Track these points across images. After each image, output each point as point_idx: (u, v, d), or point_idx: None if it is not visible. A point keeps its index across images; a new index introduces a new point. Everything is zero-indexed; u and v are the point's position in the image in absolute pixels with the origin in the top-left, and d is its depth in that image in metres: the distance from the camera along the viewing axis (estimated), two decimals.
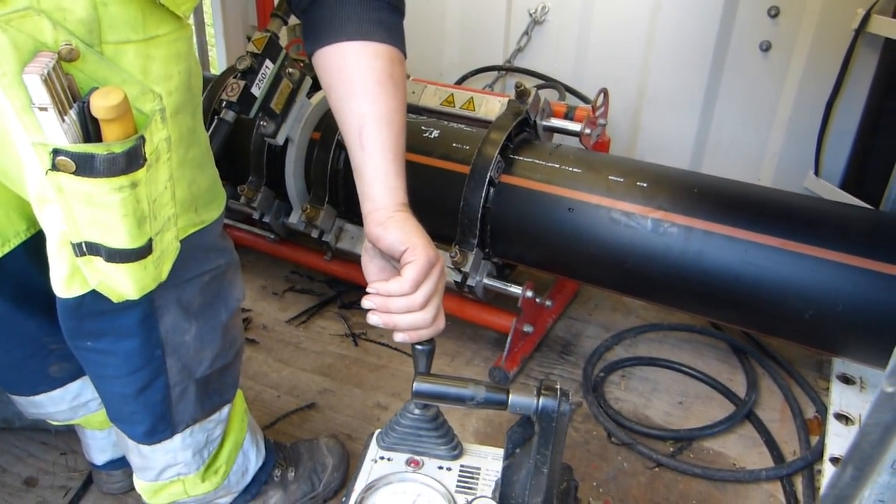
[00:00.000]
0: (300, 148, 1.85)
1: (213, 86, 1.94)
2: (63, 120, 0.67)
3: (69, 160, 0.69)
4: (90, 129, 0.70)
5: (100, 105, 0.67)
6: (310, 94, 1.85)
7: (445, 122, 1.82)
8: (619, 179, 1.56)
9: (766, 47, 2.17)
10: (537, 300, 1.75)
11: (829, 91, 2.00)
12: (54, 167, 0.70)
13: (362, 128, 0.93)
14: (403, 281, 0.90)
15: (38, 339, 1.11)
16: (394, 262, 0.96)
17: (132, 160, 0.72)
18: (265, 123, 1.76)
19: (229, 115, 1.70)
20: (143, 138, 0.73)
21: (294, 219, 1.91)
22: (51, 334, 1.10)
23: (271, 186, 1.94)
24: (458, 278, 1.69)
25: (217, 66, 2.85)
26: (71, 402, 1.22)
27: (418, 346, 0.98)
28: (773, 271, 1.41)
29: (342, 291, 2.08)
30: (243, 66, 1.66)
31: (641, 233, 1.51)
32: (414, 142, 1.75)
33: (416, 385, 0.90)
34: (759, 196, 1.52)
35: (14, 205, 0.98)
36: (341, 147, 1.79)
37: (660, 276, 1.52)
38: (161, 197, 0.81)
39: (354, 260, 1.90)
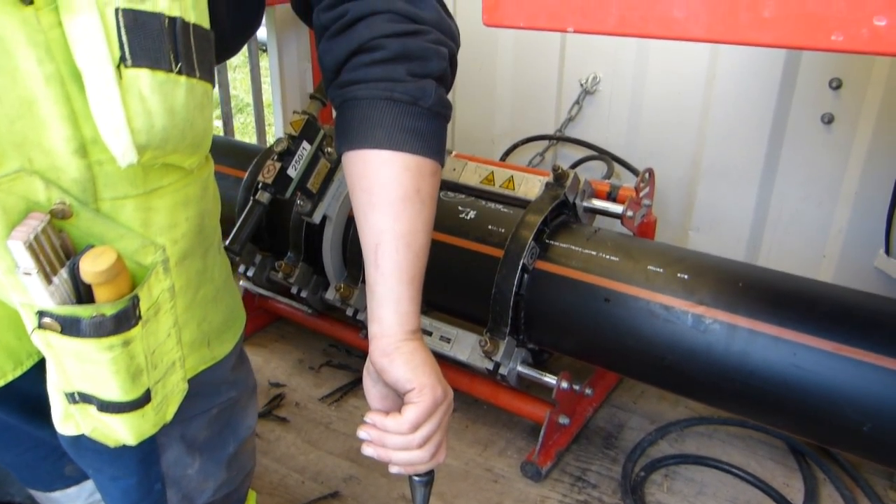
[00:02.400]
0: (338, 225, 1.84)
1: (256, 162, 1.97)
2: (50, 282, 0.64)
3: (54, 322, 0.66)
4: (82, 289, 0.67)
5: (88, 270, 0.64)
6: None
7: (483, 202, 1.78)
8: (658, 270, 1.48)
9: (828, 120, 2.06)
10: (575, 388, 1.67)
11: None
12: (40, 326, 0.67)
13: (379, 245, 0.86)
14: (402, 421, 0.84)
15: (51, 443, 1.10)
16: (399, 394, 0.90)
17: (122, 322, 0.68)
18: (302, 203, 1.76)
19: (264, 197, 1.71)
20: (136, 298, 0.69)
21: (330, 295, 1.89)
22: None
23: (309, 262, 1.94)
24: (490, 366, 1.63)
25: (276, 131, 2.92)
26: (87, 499, 1.21)
27: (415, 478, 0.93)
28: (825, 378, 1.29)
29: None
30: (280, 148, 1.68)
31: (681, 328, 1.42)
32: (450, 222, 1.72)
33: None
34: (811, 292, 1.41)
35: (25, 327, 0.98)
36: None
37: (701, 375, 1.42)
38: (163, 346, 0.77)
39: None
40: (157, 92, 0.64)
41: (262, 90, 2.85)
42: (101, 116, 0.62)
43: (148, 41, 0.63)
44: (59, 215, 0.65)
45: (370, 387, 0.92)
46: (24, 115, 0.61)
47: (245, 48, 2.46)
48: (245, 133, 4.49)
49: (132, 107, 0.62)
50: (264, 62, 2.92)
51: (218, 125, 2.74)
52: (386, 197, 0.85)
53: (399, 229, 0.85)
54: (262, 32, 2.74)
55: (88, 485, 1.20)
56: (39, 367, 1.00)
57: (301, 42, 2.75)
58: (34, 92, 0.61)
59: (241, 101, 4.91)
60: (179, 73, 0.66)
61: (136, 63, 0.62)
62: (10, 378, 0.96)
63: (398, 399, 0.88)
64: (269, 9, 2.60)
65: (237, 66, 5.57)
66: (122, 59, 0.61)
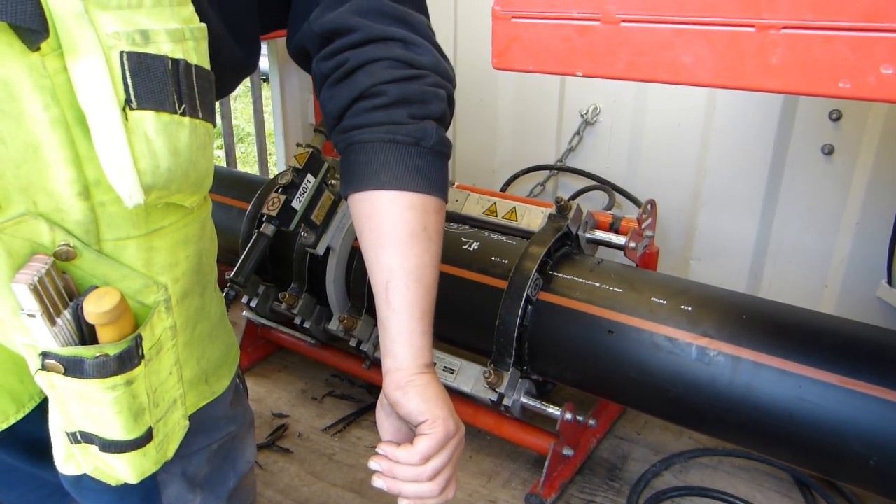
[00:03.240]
0: (341, 257, 1.85)
1: (260, 194, 1.98)
2: (53, 324, 0.65)
3: (58, 363, 0.67)
4: (85, 329, 0.67)
5: (92, 311, 0.64)
6: None
7: (486, 234, 1.79)
8: (662, 302, 1.49)
9: (828, 151, 2.08)
10: (579, 420, 1.66)
11: None
12: (44, 367, 0.68)
13: (389, 282, 0.87)
14: (414, 452, 0.84)
15: (55, 483, 1.10)
16: (411, 426, 0.90)
17: (125, 362, 0.68)
18: (306, 234, 1.77)
19: (269, 229, 1.71)
20: (139, 337, 0.69)
21: (333, 326, 1.89)
22: None
23: (313, 293, 1.94)
24: (494, 398, 1.62)
25: (278, 161, 2.93)
26: None
27: None
28: (831, 411, 1.29)
29: None
30: (284, 180, 1.69)
31: (685, 360, 1.42)
32: (453, 254, 1.73)
33: None
34: (815, 324, 1.42)
35: (27, 370, 0.97)
36: None
37: (706, 408, 1.42)
38: (164, 384, 0.77)
39: None
40: (162, 133, 0.64)
41: (264, 120, 2.87)
42: (107, 158, 0.62)
43: (152, 83, 0.64)
44: (62, 257, 0.65)
45: (383, 420, 0.92)
46: (29, 160, 0.61)
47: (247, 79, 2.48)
48: (246, 163, 4.51)
49: (138, 148, 0.63)
50: (266, 92, 2.95)
51: (220, 155, 2.75)
52: (394, 235, 0.87)
53: (408, 266, 0.87)
54: (263, 63, 2.77)
55: None
56: (41, 408, 1.00)
57: (303, 73, 2.77)
58: (39, 136, 0.61)
59: (242, 130, 4.94)
60: (183, 114, 0.66)
61: (142, 105, 0.63)
62: (12, 421, 0.95)
63: (410, 433, 0.88)
64: (272, 42, 2.63)
65: (238, 95, 5.62)
66: (128, 101, 0.62)
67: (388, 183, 0.86)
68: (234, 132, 3.00)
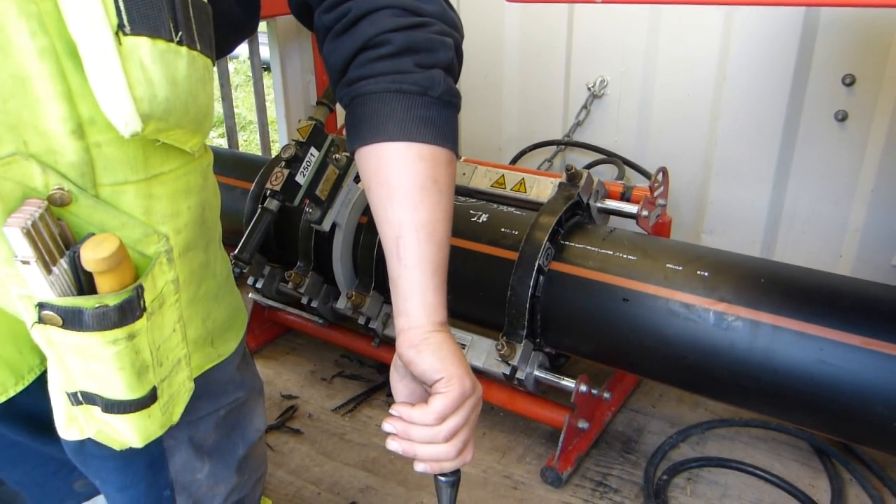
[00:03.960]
0: (347, 233, 1.82)
1: (263, 172, 1.95)
2: (49, 272, 0.61)
3: (55, 315, 0.63)
4: (83, 279, 0.64)
5: (90, 257, 0.61)
6: (357, 179, 1.82)
7: (495, 206, 1.76)
8: (677, 268, 1.45)
9: (841, 117, 2.03)
10: (593, 393, 1.64)
11: None
12: (41, 320, 0.64)
13: (400, 237, 0.84)
14: (429, 411, 0.81)
15: (60, 459, 1.07)
16: (426, 387, 0.87)
17: (126, 313, 0.65)
18: (311, 210, 1.74)
19: (273, 205, 1.68)
20: (141, 287, 0.66)
21: (341, 304, 1.87)
22: None
23: (320, 271, 1.91)
24: (507, 371, 1.59)
25: (281, 147, 2.90)
26: None
27: (441, 478, 0.89)
28: (853, 373, 1.26)
29: None
30: (287, 154, 1.66)
31: (703, 326, 1.39)
32: (462, 227, 1.69)
33: None
34: (835, 286, 1.38)
35: (25, 339, 0.92)
36: None
37: (725, 374, 1.39)
38: (168, 341, 0.74)
39: None
40: (158, 62, 0.61)
41: (266, 107, 2.83)
42: (100, 86, 0.59)
43: (146, 8, 0.61)
44: (57, 202, 0.62)
45: (397, 382, 0.90)
46: (17, 94, 0.58)
47: (248, 65, 2.47)
48: (248, 150, 4.48)
49: (133, 75, 0.59)
50: (267, 81, 2.91)
51: (222, 142, 2.72)
52: (403, 188, 0.84)
53: (419, 220, 0.84)
54: (264, 51, 2.74)
55: (100, 500, 1.16)
56: (41, 381, 0.97)
57: (304, 54, 2.74)
58: (27, 68, 0.58)
59: (243, 118, 4.90)
60: (180, 43, 0.63)
61: (136, 31, 0.59)
62: (11, 393, 0.93)
63: (425, 396, 0.86)
64: (271, 21, 2.59)
65: (239, 84, 5.59)
66: (121, 26, 0.59)
67: (395, 135, 0.84)
68: (236, 120, 2.97)
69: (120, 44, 0.59)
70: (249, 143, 4.63)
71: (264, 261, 2.02)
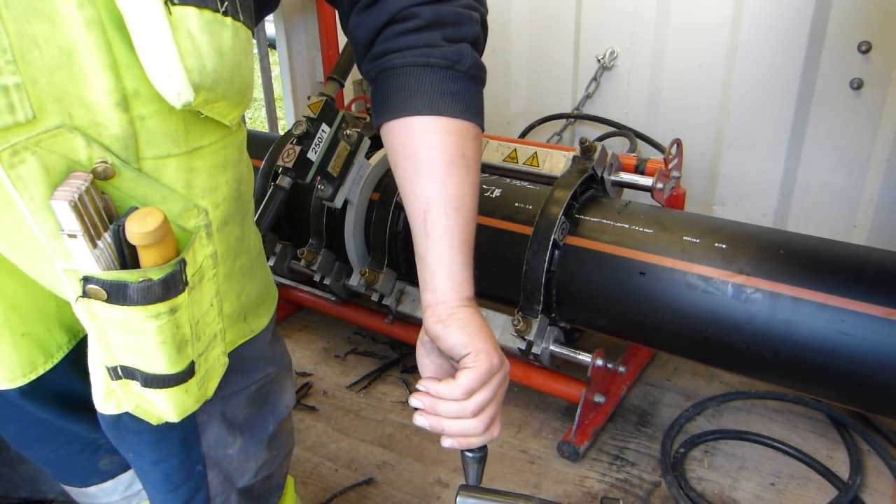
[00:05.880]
0: (359, 210, 1.81)
1: (273, 149, 1.93)
2: (95, 246, 0.61)
3: (100, 288, 0.63)
4: (126, 253, 0.64)
5: (135, 231, 0.61)
6: (369, 155, 1.81)
7: (508, 180, 1.74)
8: (695, 240, 1.44)
9: (857, 85, 2.00)
10: (609, 367, 1.63)
11: None
12: (85, 294, 0.64)
13: (427, 212, 0.84)
14: (456, 386, 0.81)
15: (86, 437, 1.07)
16: (453, 362, 0.87)
17: (170, 287, 0.65)
18: (323, 187, 1.72)
19: (285, 182, 1.67)
20: (183, 262, 0.66)
21: (354, 281, 1.86)
22: (98, 431, 1.06)
23: (332, 248, 1.90)
24: (523, 346, 1.59)
25: (287, 124, 2.88)
26: (123, 493, 1.19)
27: (468, 454, 0.89)
28: (875, 345, 1.25)
29: (405, 354, 2.01)
30: (299, 131, 1.64)
31: (721, 299, 1.38)
32: None
33: (460, 501, 0.80)
34: (856, 257, 1.37)
35: (54, 317, 0.92)
36: (400, 208, 1.73)
37: (744, 347, 1.38)
38: (206, 316, 0.74)
39: (416, 323, 1.84)
40: (206, 32, 0.61)
41: (272, 83, 2.81)
42: (150, 57, 0.58)
43: None
44: (101, 175, 0.62)
45: (423, 358, 0.90)
46: (63, 66, 0.58)
47: (253, 41, 2.43)
48: (255, 128, 4.46)
49: (183, 45, 0.59)
50: (273, 58, 2.88)
51: None
52: (431, 162, 0.84)
53: (447, 194, 0.83)
54: (269, 29, 2.71)
55: (125, 478, 1.17)
56: (69, 359, 0.97)
57: (309, 31, 2.71)
58: (74, 39, 0.58)
59: None
60: (225, 13, 0.63)
61: (184, 1, 0.59)
62: (41, 371, 0.93)
63: (452, 371, 0.86)
64: None
65: None
66: None
67: (423, 108, 0.83)
68: None
69: (170, 13, 0.58)
70: (254, 121, 4.60)
71: (276, 239, 2.01)
